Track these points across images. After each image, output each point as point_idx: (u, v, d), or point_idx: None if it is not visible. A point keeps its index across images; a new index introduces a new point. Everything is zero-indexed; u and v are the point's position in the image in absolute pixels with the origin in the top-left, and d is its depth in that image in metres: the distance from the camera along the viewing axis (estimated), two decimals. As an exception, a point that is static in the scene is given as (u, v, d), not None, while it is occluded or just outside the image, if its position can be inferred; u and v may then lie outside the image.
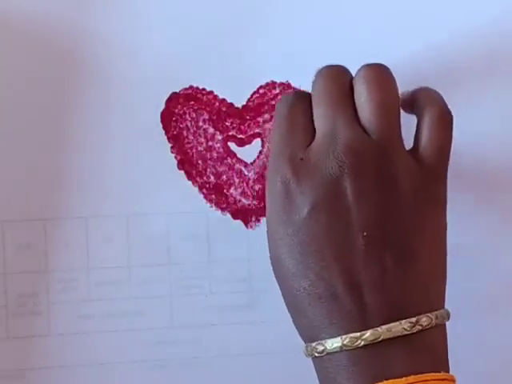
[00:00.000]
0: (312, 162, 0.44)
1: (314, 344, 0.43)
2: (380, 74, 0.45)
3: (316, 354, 0.43)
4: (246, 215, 0.52)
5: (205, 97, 0.52)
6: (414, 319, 0.42)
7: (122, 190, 0.52)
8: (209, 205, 0.52)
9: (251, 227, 0.52)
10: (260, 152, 0.52)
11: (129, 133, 0.51)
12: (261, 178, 0.52)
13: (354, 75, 0.46)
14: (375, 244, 0.43)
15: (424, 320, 0.42)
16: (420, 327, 0.42)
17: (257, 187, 0.52)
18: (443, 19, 0.53)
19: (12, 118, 0.51)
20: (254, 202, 0.52)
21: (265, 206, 0.52)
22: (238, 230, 0.52)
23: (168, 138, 0.52)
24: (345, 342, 0.42)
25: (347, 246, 0.43)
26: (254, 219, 0.52)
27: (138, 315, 0.52)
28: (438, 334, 0.43)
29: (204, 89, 0.52)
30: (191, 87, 0.52)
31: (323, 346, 0.43)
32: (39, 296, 0.51)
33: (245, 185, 0.52)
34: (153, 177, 0.52)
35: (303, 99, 0.46)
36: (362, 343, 0.42)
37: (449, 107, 0.46)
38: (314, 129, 0.45)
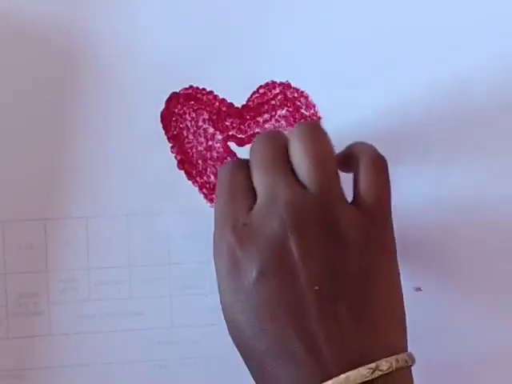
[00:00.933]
0: (255, 226, 0.44)
1: None
2: (313, 130, 0.45)
3: None
4: (246, 215, 0.52)
5: (205, 97, 0.52)
6: (373, 365, 0.42)
7: (122, 190, 0.52)
8: (209, 205, 0.52)
9: (251, 227, 0.52)
10: (260, 152, 0.52)
11: (129, 133, 0.51)
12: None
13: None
14: (327, 298, 0.43)
15: (383, 365, 0.42)
16: (380, 372, 0.42)
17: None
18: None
19: (12, 118, 0.51)
20: (254, 202, 0.52)
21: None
22: (238, 229, 0.52)
23: (168, 138, 0.52)
24: None
25: (300, 304, 0.43)
26: (254, 219, 0.52)
27: (138, 315, 0.52)
28: (402, 377, 0.43)
29: (204, 89, 0.52)
30: (191, 87, 0.52)
31: None
32: (39, 296, 0.51)
33: (245, 185, 0.52)
34: (153, 177, 0.52)
35: (242, 166, 0.46)
36: None
37: (380, 153, 0.46)
38: (255, 194, 0.45)
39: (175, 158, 0.52)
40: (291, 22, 0.52)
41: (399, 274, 0.45)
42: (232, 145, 0.52)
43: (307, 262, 0.43)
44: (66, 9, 0.51)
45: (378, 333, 0.43)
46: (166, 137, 0.52)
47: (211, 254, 0.51)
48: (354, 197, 0.46)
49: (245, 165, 0.46)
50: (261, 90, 0.52)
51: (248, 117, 0.52)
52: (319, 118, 0.53)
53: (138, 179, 0.52)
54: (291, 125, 0.53)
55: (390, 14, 0.53)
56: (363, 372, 0.42)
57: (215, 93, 0.52)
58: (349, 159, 0.47)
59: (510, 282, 0.53)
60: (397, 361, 0.43)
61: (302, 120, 0.52)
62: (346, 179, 0.46)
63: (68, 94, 0.51)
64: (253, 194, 0.45)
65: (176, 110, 0.52)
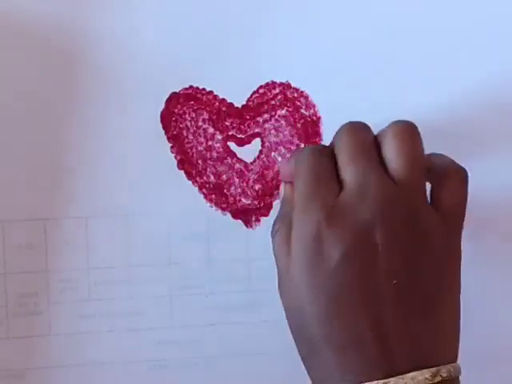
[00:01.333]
0: (344, 209, 0.44)
1: None
2: (409, 131, 0.46)
3: None
4: (246, 215, 0.52)
5: (205, 97, 0.52)
6: (434, 369, 0.43)
7: (122, 190, 0.52)
8: (209, 205, 0.52)
9: (251, 227, 0.52)
10: (260, 152, 0.52)
11: (129, 133, 0.51)
12: (261, 177, 0.52)
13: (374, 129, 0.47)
14: (403, 293, 0.43)
15: (444, 371, 0.43)
16: (440, 378, 0.43)
17: (257, 187, 0.52)
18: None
19: (12, 118, 0.51)
20: (254, 202, 0.52)
21: (265, 206, 0.52)
22: (237, 229, 0.52)
23: (168, 138, 0.52)
24: None
25: (377, 294, 0.43)
26: (254, 219, 0.52)
27: (138, 315, 0.52)
28: None
29: (204, 89, 0.52)
30: (191, 87, 0.52)
31: None
32: (39, 296, 0.51)
33: (245, 185, 0.52)
34: (153, 177, 0.52)
35: (326, 152, 0.47)
36: None
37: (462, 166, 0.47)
38: (339, 181, 0.46)
39: (175, 158, 0.52)
40: (291, 22, 0.52)
41: (460, 281, 0.46)
42: (232, 145, 0.52)
43: (389, 255, 0.43)
44: (66, 9, 0.51)
45: (441, 336, 0.44)
46: (165, 137, 0.52)
47: (211, 254, 0.52)
48: (433, 201, 0.46)
49: (329, 153, 0.47)
50: (261, 90, 0.52)
51: (248, 117, 0.52)
52: (319, 118, 0.53)
53: (137, 179, 0.52)
54: (291, 125, 0.53)
55: (390, 14, 0.53)
56: (426, 375, 0.42)
57: (215, 93, 0.52)
58: (431, 166, 0.47)
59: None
60: (454, 369, 0.44)
61: (302, 120, 0.52)
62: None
63: (68, 93, 0.51)
64: (337, 181, 0.46)
65: (176, 110, 0.52)
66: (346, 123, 0.47)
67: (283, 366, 0.52)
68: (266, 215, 0.52)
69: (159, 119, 0.52)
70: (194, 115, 0.52)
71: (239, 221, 0.52)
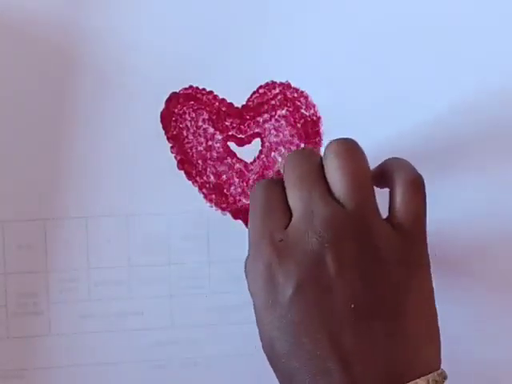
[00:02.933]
0: (292, 242, 0.44)
1: None
2: (349, 147, 0.45)
3: None
4: (246, 215, 0.52)
5: (204, 97, 0.52)
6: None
7: (122, 190, 0.52)
8: (209, 205, 0.52)
9: (251, 227, 0.52)
10: (260, 152, 0.52)
11: (129, 133, 0.51)
12: (261, 177, 0.52)
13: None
14: (364, 315, 0.43)
15: None
16: None
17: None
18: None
19: (12, 118, 0.51)
20: (254, 202, 0.52)
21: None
22: (238, 229, 0.52)
23: (168, 138, 0.52)
24: None
25: (337, 321, 0.43)
26: (253, 219, 0.52)
27: (138, 315, 0.52)
28: None
29: (204, 89, 0.52)
30: (191, 87, 0.52)
31: None
32: (39, 296, 0.51)
33: (245, 184, 0.52)
34: (153, 177, 0.52)
35: (276, 183, 0.46)
36: None
37: (417, 171, 0.46)
38: (290, 211, 0.45)
39: (175, 158, 0.52)
40: (291, 22, 0.52)
41: (433, 290, 0.45)
42: (232, 145, 0.52)
43: (344, 278, 0.43)
44: (66, 9, 0.51)
45: (412, 350, 0.43)
46: (165, 137, 0.52)
47: (211, 254, 0.51)
48: (389, 214, 0.46)
49: (279, 183, 0.46)
50: (261, 90, 0.52)
51: (248, 117, 0.52)
52: (319, 118, 0.53)
53: (137, 179, 0.52)
54: (291, 125, 0.53)
55: (390, 14, 0.53)
56: None
57: (215, 93, 0.52)
58: (384, 176, 0.47)
59: None
60: (434, 380, 0.43)
61: (302, 120, 0.52)
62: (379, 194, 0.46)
63: (68, 94, 0.51)
64: (288, 210, 0.45)
65: (176, 110, 0.52)
66: (291, 152, 0.47)
67: (283, 366, 0.52)
68: (266, 215, 0.52)
69: (159, 119, 0.52)
70: (194, 115, 0.52)
71: (239, 221, 0.52)
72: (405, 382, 0.42)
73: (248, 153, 0.52)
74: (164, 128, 0.52)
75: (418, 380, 0.43)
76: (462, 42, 0.53)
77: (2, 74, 0.50)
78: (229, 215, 0.52)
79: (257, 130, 0.52)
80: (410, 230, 0.45)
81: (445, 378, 0.44)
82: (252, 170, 0.52)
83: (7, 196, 0.51)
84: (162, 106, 0.52)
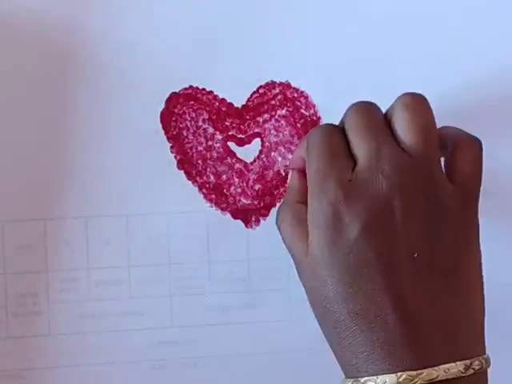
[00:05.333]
0: (360, 183, 0.44)
1: (362, 380, 0.42)
2: (419, 102, 0.46)
3: None
4: (246, 215, 0.52)
5: (204, 97, 0.52)
6: (468, 361, 0.41)
7: (122, 190, 0.52)
8: (209, 205, 0.52)
9: (251, 227, 0.52)
10: (260, 152, 0.52)
11: (128, 133, 0.51)
12: (261, 177, 0.52)
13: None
14: (425, 266, 0.43)
15: (477, 364, 0.42)
16: (472, 370, 0.41)
17: (257, 187, 0.52)
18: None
19: (12, 118, 0.51)
20: (254, 202, 0.52)
21: (265, 206, 0.52)
22: (237, 229, 0.52)
23: (168, 138, 0.52)
24: (400, 380, 0.41)
25: (398, 269, 0.42)
26: (253, 219, 0.52)
27: (138, 315, 0.52)
28: (484, 378, 0.43)
29: (204, 89, 0.52)
30: (191, 87, 0.52)
31: (374, 382, 0.41)
32: (39, 296, 0.51)
33: (245, 185, 0.52)
34: (153, 177, 0.52)
35: (338, 130, 0.46)
36: (419, 382, 0.41)
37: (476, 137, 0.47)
38: (353, 158, 0.45)
39: (175, 157, 0.52)
40: (291, 22, 0.52)
41: (481, 255, 0.45)
42: (232, 145, 0.52)
43: (409, 225, 0.43)
44: (67, 8, 0.51)
45: (468, 321, 0.43)
46: (165, 137, 0.52)
47: (211, 254, 0.51)
48: (448, 172, 0.46)
49: (340, 130, 0.46)
50: (261, 90, 0.52)
51: (248, 117, 0.52)
52: (319, 118, 0.53)
53: (137, 179, 0.51)
54: (291, 125, 0.53)
55: (390, 15, 0.53)
56: (460, 367, 0.41)
57: (215, 93, 0.52)
58: (444, 138, 0.47)
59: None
60: (486, 361, 0.42)
61: (302, 120, 0.52)
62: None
63: (68, 94, 0.51)
64: (352, 158, 0.45)
65: (176, 110, 0.52)
66: (354, 103, 0.47)
67: (283, 366, 0.52)
68: (266, 215, 0.52)
69: (159, 119, 0.52)
70: (194, 115, 0.52)
71: (239, 221, 0.52)
72: (464, 355, 0.41)
73: (248, 153, 0.52)
74: (164, 128, 0.52)
75: (480, 357, 0.42)
76: (462, 42, 0.53)
77: (2, 73, 0.50)
78: (229, 215, 0.52)
79: (257, 130, 0.52)
80: (468, 191, 0.45)
81: (490, 364, 0.43)
82: (252, 169, 0.52)
83: (7, 196, 0.51)
84: (162, 105, 0.52)
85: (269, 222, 0.52)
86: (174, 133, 0.52)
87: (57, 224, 0.51)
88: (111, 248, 0.51)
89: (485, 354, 0.43)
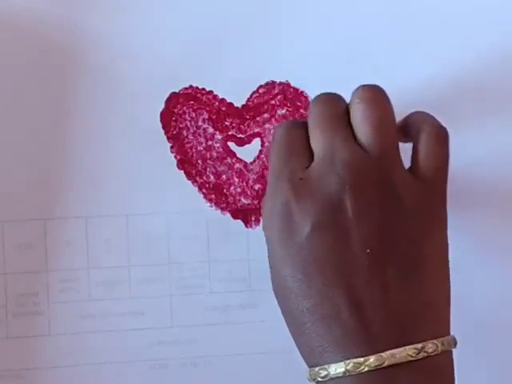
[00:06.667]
0: (312, 182, 0.44)
1: (316, 369, 0.43)
2: (376, 94, 0.45)
3: (319, 379, 0.43)
4: (245, 215, 0.52)
5: (204, 96, 0.52)
6: (419, 345, 0.42)
7: (122, 190, 0.52)
8: (208, 204, 0.52)
9: (251, 227, 0.52)
10: (260, 152, 0.52)
11: (128, 132, 0.51)
12: (261, 177, 0.52)
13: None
14: (378, 261, 0.43)
15: (430, 347, 0.42)
16: (425, 354, 0.42)
17: (256, 187, 0.52)
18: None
19: (12, 118, 0.51)
20: (254, 202, 0.52)
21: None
22: (237, 229, 0.52)
23: (168, 138, 0.52)
24: (348, 368, 0.41)
25: (350, 264, 0.43)
26: (253, 219, 0.52)
27: (138, 315, 0.52)
28: (444, 359, 0.43)
29: (204, 88, 0.52)
30: (191, 87, 0.52)
31: (326, 370, 0.42)
32: (39, 296, 0.51)
33: (244, 184, 0.52)
34: (152, 177, 0.52)
35: (300, 125, 0.46)
36: (366, 369, 0.41)
37: (441, 124, 0.46)
38: (312, 153, 0.45)
39: (175, 157, 0.52)
40: (291, 22, 0.52)
41: (448, 247, 0.45)
42: (232, 145, 0.52)
43: (361, 222, 0.43)
44: (67, 8, 0.51)
45: (424, 309, 0.43)
46: (165, 137, 0.52)
47: (211, 254, 0.51)
48: (412, 164, 0.45)
49: (302, 125, 0.46)
50: (261, 90, 0.52)
51: (248, 117, 0.52)
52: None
53: (137, 179, 0.52)
54: (291, 125, 0.53)
55: (390, 15, 0.53)
56: (409, 352, 0.41)
57: (215, 93, 0.52)
58: (408, 127, 0.46)
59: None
60: (442, 344, 0.42)
61: None
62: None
63: (68, 94, 0.51)
64: (309, 152, 0.45)
65: (176, 110, 0.52)
66: (317, 95, 0.47)
67: (283, 366, 0.52)
68: (266, 215, 0.52)
69: (159, 119, 0.52)
70: (193, 115, 0.52)
71: (239, 221, 0.52)
72: (416, 340, 0.42)
73: (248, 153, 0.52)
74: (164, 128, 0.52)
75: (435, 340, 0.42)
76: (461, 40, 0.53)
77: (2, 73, 0.50)
78: (228, 215, 0.52)
79: (257, 130, 0.52)
80: (432, 182, 0.45)
81: (456, 343, 0.44)
82: (252, 169, 0.52)
83: (7, 196, 0.51)
84: (162, 105, 0.52)
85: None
86: (174, 133, 0.52)
87: (57, 224, 0.51)
88: (111, 248, 0.51)
89: (446, 335, 0.43)
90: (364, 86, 0.46)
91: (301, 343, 0.44)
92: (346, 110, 0.46)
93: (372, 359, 0.41)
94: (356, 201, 0.43)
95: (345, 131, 0.45)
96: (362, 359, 0.41)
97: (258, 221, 0.52)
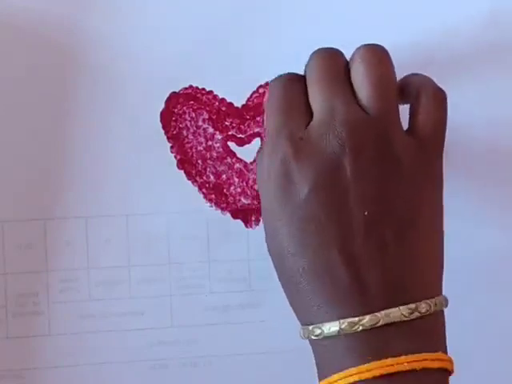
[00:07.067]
0: (311, 141, 0.44)
1: (311, 327, 0.43)
2: (377, 54, 0.45)
3: (313, 337, 0.43)
4: (245, 215, 0.52)
5: (204, 96, 0.52)
6: (413, 305, 0.42)
7: (122, 190, 0.52)
8: (208, 204, 0.52)
9: (251, 227, 0.52)
10: (260, 152, 0.53)
11: (128, 132, 0.51)
12: (261, 177, 0.52)
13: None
14: (375, 222, 0.43)
15: (423, 307, 0.42)
16: (418, 314, 0.42)
17: (256, 187, 0.52)
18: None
19: (12, 118, 0.51)
20: (254, 202, 0.52)
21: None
22: (237, 229, 0.52)
23: (168, 138, 0.52)
24: (342, 327, 0.42)
25: (347, 225, 0.43)
26: (253, 219, 0.52)
27: (138, 315, 0.52)
28: (436, 319, 0.43)
29: (204, 88, 0.52)
30: (191, 87, 0.52)
31: (320, 329, 0.43)
32: (39, 296, 0.51)
33: (244, 184, 0.52)
34: (152, 177, 0.52)
35: (298, 80, 0.46)
36: (360, 328, 0.42)
37: (440, 86, 0.46)
38: (310, 110, 0.45)
39: (175, 157, 0.52)
40: (291, 22, 0.52)
41: (443, 208, 0.45)
42: (232, 145, 0.52)
43: (359, 183, 0.43)
44: (67, 8, 0.51)
45: (418, 270, 0.43)
46: (165, 137, 0.52)
47: (211, 254, 0.51)
48: (409, 126, 0.45)
49: (300, 80, 0.46)
50: (261, 90, 0.52)
51: (248, 116, 0.52)
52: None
53: (137, 179, 0.52)
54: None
55: (391, 15, 0.53)
56: (403, 311, 0.42)
57: (215, 92, 0.52)
58: (407, 90, 0.46)
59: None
60: (435, 304, 0.43)
61: None
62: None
63: (68, 93, 0.51)
64: (308, 109, 0.45)
65: (176, 110, 0.52)
66: (316, 50, 0.46)
67: (283, 366, 0.52)
68: (266, 215, 0.52)
69: (159, 119, 0.52)
70: (193, 115, 0.52)
71: (239, 221, 0.52)
72: (410, 300, 0.42)
73: (248, 153, 0.52)
74: (164, 128, 0.52)
75: (428, 300, 0.42)
76: (461, 40, 0.53)
77: (2, 73, 0.50)
78: (228, 215, 0.52)
79: (257, 130, 0.52)
80: (430, 144, 0.45)
81: (447, 303, 0.44)
82: (252, 169, 0.52)
83: (7, 196, 0.51)
84: (162, 105, 0.52)
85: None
86: (174, 133, 0.52)
87: (57, 224, 0.51)
88: (111, 248, 0.51)
89: (438, 295, 0.44)
90: (366, 45, 0.46)
91: (295, 302, 0.44)
92: (345, 66, 0.46)
93: (367, 319, 0.42)
94: (355, 162, 0.43)
95: (345, 90, 0.45)
96: (356, 319, 0.42)
97: (258, 221, 0.52)
